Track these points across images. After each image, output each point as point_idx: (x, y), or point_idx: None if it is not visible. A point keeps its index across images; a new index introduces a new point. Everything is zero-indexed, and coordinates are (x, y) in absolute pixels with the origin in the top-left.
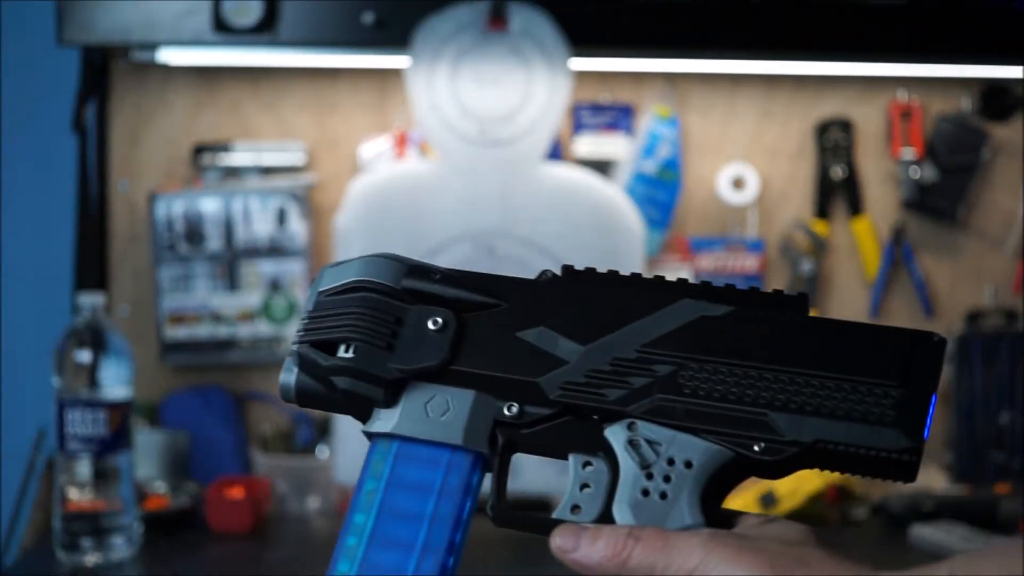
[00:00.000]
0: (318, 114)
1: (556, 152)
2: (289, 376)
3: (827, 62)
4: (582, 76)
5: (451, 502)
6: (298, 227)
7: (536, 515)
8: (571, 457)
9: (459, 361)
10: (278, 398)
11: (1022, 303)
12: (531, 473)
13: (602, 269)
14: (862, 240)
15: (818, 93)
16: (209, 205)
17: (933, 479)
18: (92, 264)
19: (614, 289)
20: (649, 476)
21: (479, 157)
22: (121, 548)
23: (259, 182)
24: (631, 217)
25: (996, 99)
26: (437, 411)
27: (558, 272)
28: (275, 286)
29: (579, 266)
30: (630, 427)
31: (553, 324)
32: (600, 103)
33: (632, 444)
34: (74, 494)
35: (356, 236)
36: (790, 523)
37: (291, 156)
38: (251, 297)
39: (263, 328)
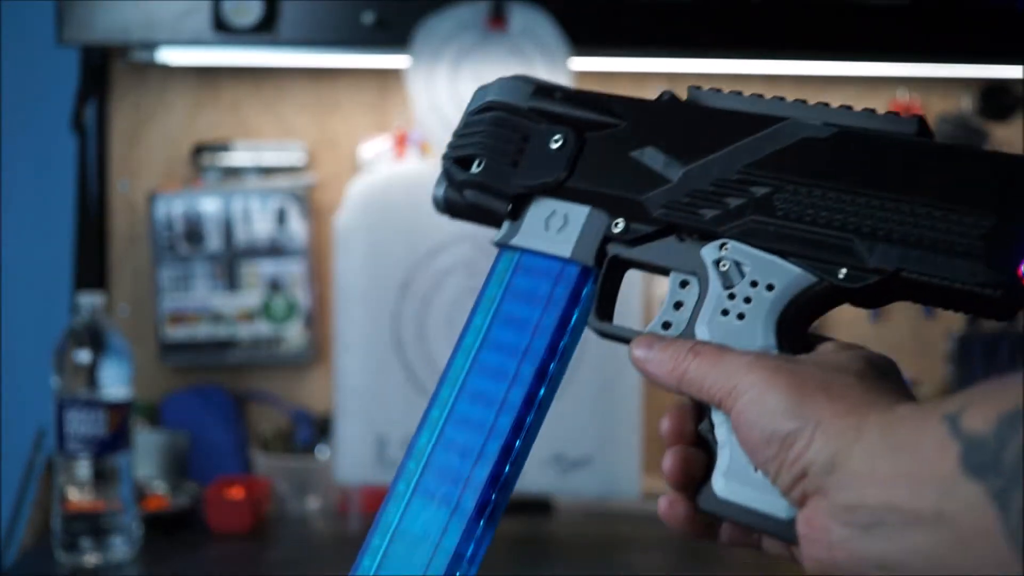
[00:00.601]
0: (318, 114)
1: None
2: (439, 189)
3: (827, 62)
4: (582, 76)
5: (555, 313)
6: (298, 227)
7: (626, 327)
8: (671, 275)
9: (576, 178)
10: (278, 398)
11: None
12: (531, 473)
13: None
14: None
15: (818, 93)
16: (209, 205)
17: None
18: (92, 264)
19: (727, 109)
20: (731, 296)
21: None
22: (121, 548)
23: (259, 182)
24: None
25: (996, 99)
26: (555, 225)
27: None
28: (275, 286)
29: None
30: (722, 247)
31: (662, 144)
32: None
33: (719, 264)
34: (74, 494)
35: (356, 236)
36: (858, 350)
37: (291, 156)
38: (251, 297)
39: (263, 328)
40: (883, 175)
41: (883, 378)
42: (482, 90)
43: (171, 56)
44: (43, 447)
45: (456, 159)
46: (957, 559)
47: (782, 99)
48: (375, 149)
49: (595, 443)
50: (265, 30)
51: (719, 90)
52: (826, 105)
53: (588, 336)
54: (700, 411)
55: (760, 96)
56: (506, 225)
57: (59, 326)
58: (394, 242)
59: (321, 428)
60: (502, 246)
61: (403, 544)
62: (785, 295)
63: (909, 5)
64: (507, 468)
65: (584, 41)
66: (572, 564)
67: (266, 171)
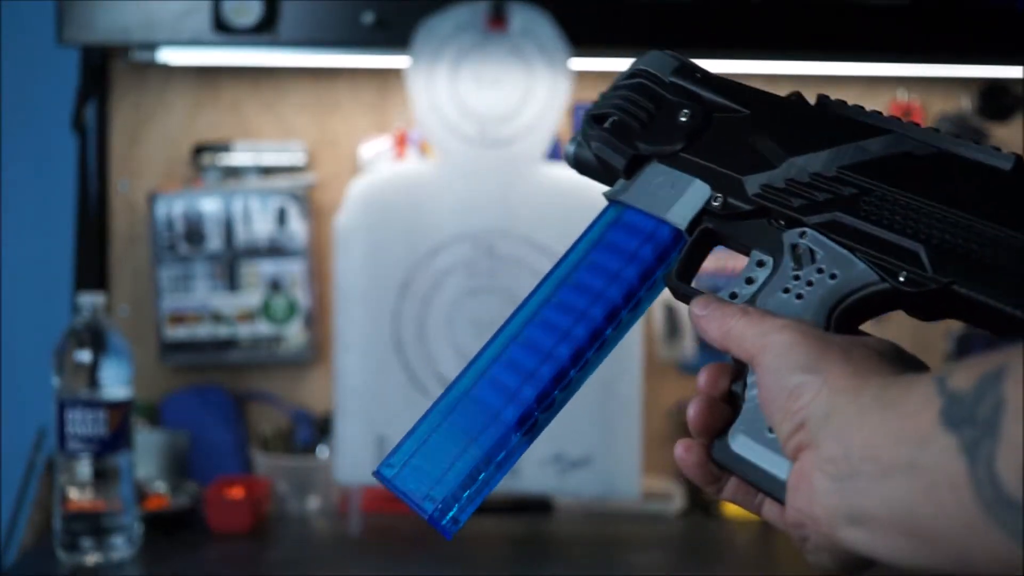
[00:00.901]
0: (318, 114)
1: (556, 152)
2: (571, 146)
3: (828, 62)
4: (582, 76)
5: (639, 266)
6: (298, 227)
7: (692, 287)
8: (752, 252)
9: (692, 151)
10: (278, 398)
11: None
12: (531, 473)
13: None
14: None
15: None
16: (209, 205)
17: None
18: (92, 264)
19: (845, 117)
20: (796, 278)
21: (479, 157)
22: (121, 548)
23: (259, 182)
24: None
25: (996, 99)
26: (662, 190)
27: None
28: (275, 286)
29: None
30: (801, 235)
31: (776, 134)
32: None
33: (795, 248)
34: (74, 494)
35: (357, 236)
36: (894, 344)
37: (291, 156)
38: (251, 297)
39: (263, 328)
40: (965, 196)
41: (906, 365)
42: (636, 60)
43: (171, 56)
44: (44, 447)
45: (594, 116)
46: (925, 510)
47: (898, 119)
48: (375, 149)
49: (595, 443)
50: (265, 30)
51: (844, 102)
52: (936, 131)
53: None
54: (738, 372)
55: (879, 113)
56: (619, 182)
57: (60, 326)
58: (394, 242)
59: (321, 428)
60: (610, 200)
61: (443, 435)
62: (845, 286)
63: (909, 5)
64: (556, 392)
65: (584, 41)
66: (572, 564)
67: (266, 171)
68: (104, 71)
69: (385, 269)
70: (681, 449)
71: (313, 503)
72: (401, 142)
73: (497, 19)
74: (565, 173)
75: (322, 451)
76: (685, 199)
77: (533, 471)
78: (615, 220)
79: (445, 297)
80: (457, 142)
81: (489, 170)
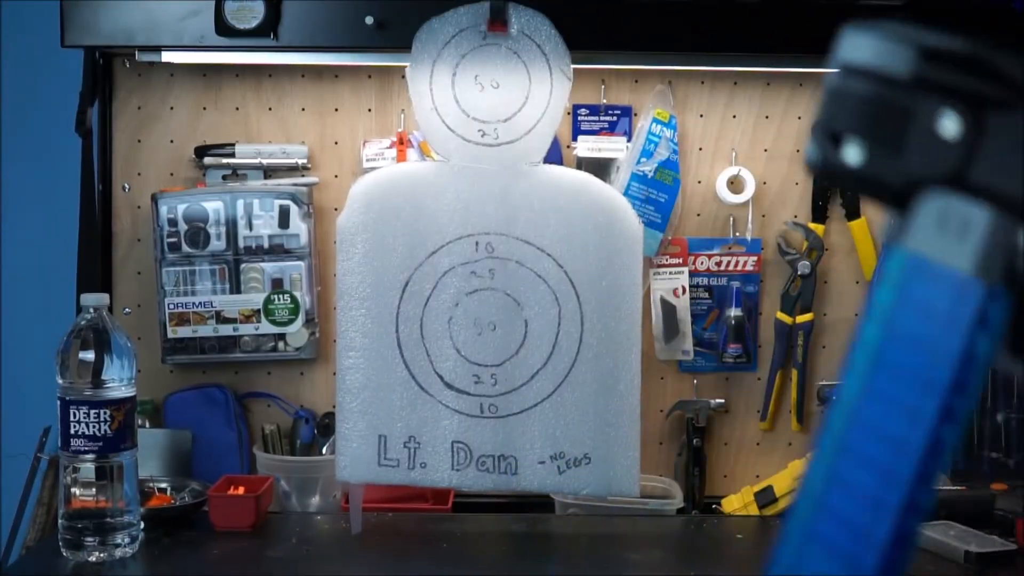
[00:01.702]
0: (320, 115)
1: (556, 153)
2: (812, 148)
3: (825, 63)
4: (582, 77)
5: (956, 334)
6: (300, 227)
7: None
8: None
9: (975, 170)
10: (280, 397)
11: None
12: (531, 472)
13: None
14: (859, 240)
15: (816, 94)
16: (212, 206)
17: None
18: (96, 265)
19: None
20: None
21: (479, 157)
22: (124, 546)
23: (261, 183)
24: (631, 218)
25: None
26: (952, 228)
27: None
28: (277, 286)
29: (579, 267)
30: None
31: None
32: (599, 104)
33: None
34: (78, 492)
35: (358, 236)
36: None
37: (293, 157)
38: (253, 297)
39: (265, 328)
40: None
41: None
42: (853, 44)
43: (174, 57)
44: (48, 445)
45: (828, 132)
46: None
47: None
48: (376, 149)
49: (595, 442)
50: (267, 33)
51: None
52: None
53: (588, 333)
54: None
55: None
56: (895, 219)
57: (64, 326)
58: (395, 242)
59: (322, 427)
60: (894, 245)
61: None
62: None
63: (907, 5)
64: (908, 525)
65: (584, 43)
66: (571, 562)
67: (268, 172)
68: (108, 73)
69: (386, 269)
70: None
71: (315, 502)
72: (402, 143)
73: (497, 21)
74: (565, 173)
75: (324, 450)
76: (987, 241)
77: (533, 470)
78: (910, 274)
79: (445, 297)
80: (457, 143)
81: (489, 170)
